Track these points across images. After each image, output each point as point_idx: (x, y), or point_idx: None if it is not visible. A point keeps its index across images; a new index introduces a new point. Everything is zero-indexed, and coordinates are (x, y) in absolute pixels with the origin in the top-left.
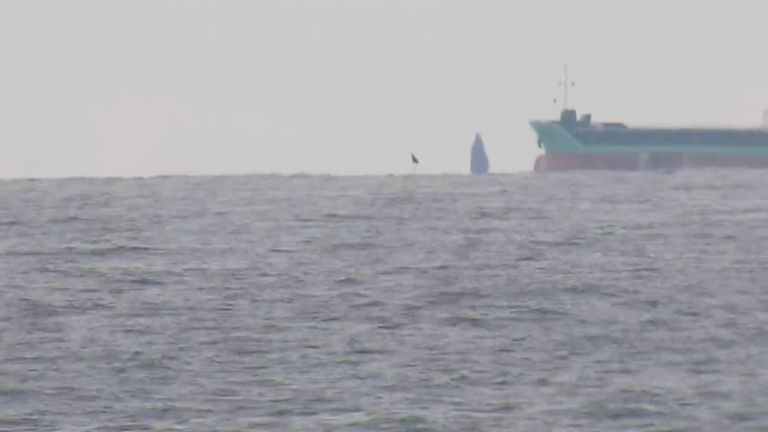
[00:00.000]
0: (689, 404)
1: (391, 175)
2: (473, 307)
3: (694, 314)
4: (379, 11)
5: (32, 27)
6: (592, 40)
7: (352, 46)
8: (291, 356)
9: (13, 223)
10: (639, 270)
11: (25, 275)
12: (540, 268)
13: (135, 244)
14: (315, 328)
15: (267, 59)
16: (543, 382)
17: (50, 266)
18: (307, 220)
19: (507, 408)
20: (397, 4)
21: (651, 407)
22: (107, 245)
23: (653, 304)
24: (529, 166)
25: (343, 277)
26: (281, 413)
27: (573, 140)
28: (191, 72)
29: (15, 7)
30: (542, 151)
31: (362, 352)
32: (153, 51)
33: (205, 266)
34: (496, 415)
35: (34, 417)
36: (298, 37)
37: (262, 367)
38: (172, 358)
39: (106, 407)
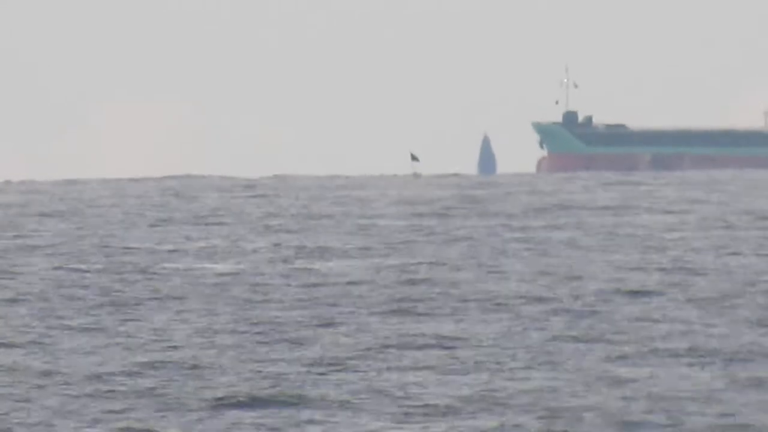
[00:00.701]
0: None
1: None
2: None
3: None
4: (380, 12)
5: (32, 27)
6: (594, 41)
7: (353, 47)
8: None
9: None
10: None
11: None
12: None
13: (181, 246)
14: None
15: (267, 59)
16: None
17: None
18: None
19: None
20: (399, 4)
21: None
22: (162, 245)
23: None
24: (531, 167)
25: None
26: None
27: (575, 141)
28: (191, 72)
29: (15, 7)
30: (544, 153)
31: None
32: (153, 51)
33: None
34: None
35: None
36: (298, 37)
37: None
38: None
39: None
